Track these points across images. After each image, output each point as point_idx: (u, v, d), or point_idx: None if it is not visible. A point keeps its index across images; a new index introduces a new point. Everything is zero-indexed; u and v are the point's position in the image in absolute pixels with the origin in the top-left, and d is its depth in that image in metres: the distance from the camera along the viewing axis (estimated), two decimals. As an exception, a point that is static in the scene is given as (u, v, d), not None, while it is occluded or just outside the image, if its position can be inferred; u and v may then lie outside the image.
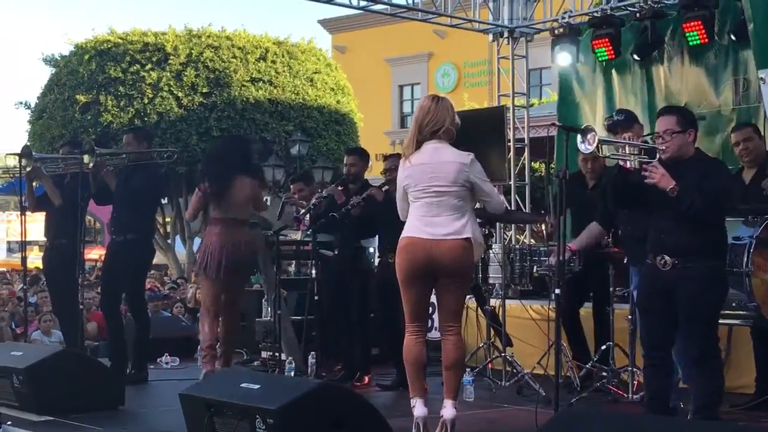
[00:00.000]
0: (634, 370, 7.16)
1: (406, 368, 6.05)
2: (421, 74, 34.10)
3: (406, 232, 5.93)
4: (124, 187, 8.37)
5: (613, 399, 7.23)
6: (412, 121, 6.11)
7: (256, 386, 5.33)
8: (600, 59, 10.40)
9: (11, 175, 9.21)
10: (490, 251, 8.11)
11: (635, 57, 10.19)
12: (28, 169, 8.43)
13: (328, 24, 35.25)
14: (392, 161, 8.17)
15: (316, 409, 5.12)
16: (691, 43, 9.47)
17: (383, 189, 7.93)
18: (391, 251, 7.84)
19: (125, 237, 8.36)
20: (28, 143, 19.56)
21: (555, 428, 4.47)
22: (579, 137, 5.64)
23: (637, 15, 9.96)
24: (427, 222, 5.87)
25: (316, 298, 8.27)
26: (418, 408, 5.86)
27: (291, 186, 8.92)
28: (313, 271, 8.31)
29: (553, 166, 10.96)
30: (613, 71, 10.72)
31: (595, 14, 10.50)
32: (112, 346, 8.73)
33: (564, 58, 10.61)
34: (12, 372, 6.73)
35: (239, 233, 7.83)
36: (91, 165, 8.17)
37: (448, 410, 5.83)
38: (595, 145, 5.57)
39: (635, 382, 7.17)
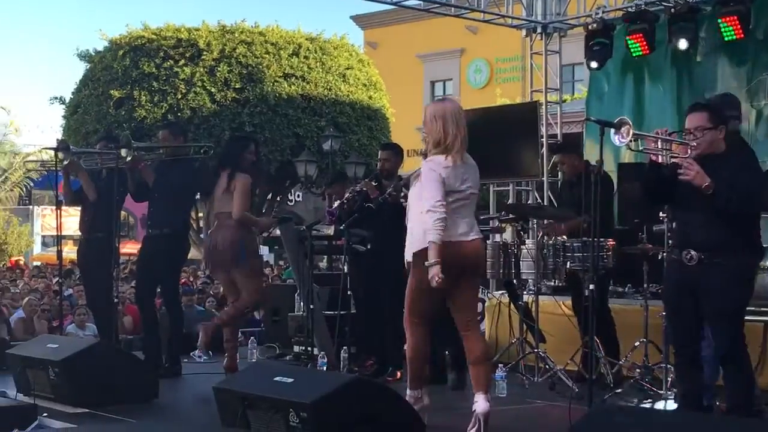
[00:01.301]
0: (668, 366, 7.12)
1: (417, 362, 6.09)
2: (453, 70, 34.05)
3: (449, 236, 5.90)
4: (161, 182, 8.41)
5: (646, 395, 7.19)
6: (449, 121, 6.01)
7: (290, 380, 5.35)
8: (634, 55, 10.34)
9: (47, 169, 9.28)
10: (523, 247, 8.09)
11: (671, 52, 10.12)
12: (66, 162, 8.49)
13: (360, 20, 35.26)
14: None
15: (349, 404, 5.14)
16: (726, 39, 9.41)
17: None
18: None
19: (161, 231, 8.41)
20: (63, 138, 19.73)
21: (589, 424, 4.45)
22: (613, 131, 5.61)
23: (672, 10, 9.90)
24: (453, 223, 5.89)
25: (348, 293, 8.28)
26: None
27: (327, 192, 8.94)
28: (346, 266, 8.32)
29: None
30: (645, 67, 10.67)
31: (630, 9, 10.43)
32: (146, 340, 8.78)
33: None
34: (48, 364, 6.79)
35: (223, 229, 7.93)
36: (128, 159, 8.22)
37: (481, 404, 5.83)
38: (629, 138, 5.54)
39: (669, 379, 7.13)
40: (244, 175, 7.84)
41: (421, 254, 5.86)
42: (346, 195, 8.39)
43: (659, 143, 5.70)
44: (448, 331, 6.48)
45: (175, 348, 8.61)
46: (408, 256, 6.05)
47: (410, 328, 6.09)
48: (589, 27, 10.71)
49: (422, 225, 5.88)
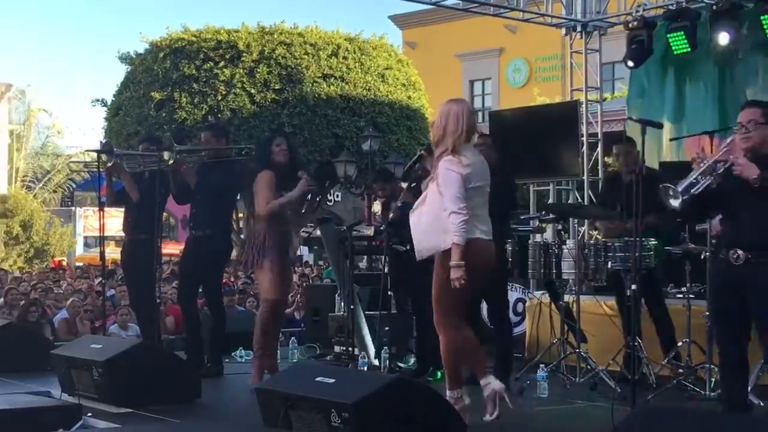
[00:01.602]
0: (711, 367, 7.07)
1: (455, 362, 6.14)
2: (492, 69, 33.97)
3: (473, 233, 5.96)
4: (203, 184, 8.45)
5: (689, 396, 7.14)
6: (459, 118, 6.02)
7: (332, 380, 5.36)
8: (675, 53, 10.26)
9: (89, 171, 9.36)
10: (564, 247, 8.05)
11: (713, 50, 10.03)
12: (109, 164, 8.57)
13: (399, 20, 35.27)
14: (486, 139, 8.14)
15: (390, 404, 5.15)
16: (769, 35, 9.31)
17: None
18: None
19: (203, 232, 8.45)
20: (107, 140, 19.90)
21: (632, 425, 4.43)
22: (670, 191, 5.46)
23: (714, 7, 9.81)
24: (478, 220, 6.02)
25: (389, 293, 8.28)
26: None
27: (374, 186, 8.88)
28: (386, 266, 8.33)
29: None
30: (686, 64, 10.58)
31: (671, 7, 10.36)
32: (188, 340, 8.84)
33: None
34: (92, 365, 6.84)
35: (249, 228, 7.96)
36: (171, 162, 8.27)
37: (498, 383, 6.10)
38: (680, 201, 5.42)
39: (712, 380, 7.07)
40: (264, 171, 7.79)
41: (449, 254, 5.89)
42: (392, 210, 8.28)
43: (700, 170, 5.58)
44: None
45: (217, 348, 8.66)
46: (423, 253, 6.06)
47: (443, 329, 6.11)
48: (630, 25, 10.64)
49: (440, 224, 5.91)
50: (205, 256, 8.43)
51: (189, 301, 8.78)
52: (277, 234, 7.75)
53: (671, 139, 10.20)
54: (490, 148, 8.03)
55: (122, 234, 9.32)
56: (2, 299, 13.16)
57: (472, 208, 5.96)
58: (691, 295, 7.64)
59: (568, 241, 8.26)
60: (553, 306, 8.66)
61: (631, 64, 10.54)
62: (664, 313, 7.97)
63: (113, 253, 21.26)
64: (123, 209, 9.28)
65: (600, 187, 8.97)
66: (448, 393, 6.06)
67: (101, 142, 9.08)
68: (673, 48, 10.18)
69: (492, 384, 6.09)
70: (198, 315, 8.85)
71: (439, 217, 5.99)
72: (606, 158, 13.06)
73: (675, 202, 5.40)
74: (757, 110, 5.57)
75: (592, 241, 8.02)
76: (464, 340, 6.14)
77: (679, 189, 5.35)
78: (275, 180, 7.68)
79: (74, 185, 38.22)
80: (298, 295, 13.65)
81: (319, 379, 5.43)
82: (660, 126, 7.59)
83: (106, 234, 8.81)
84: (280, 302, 7.92)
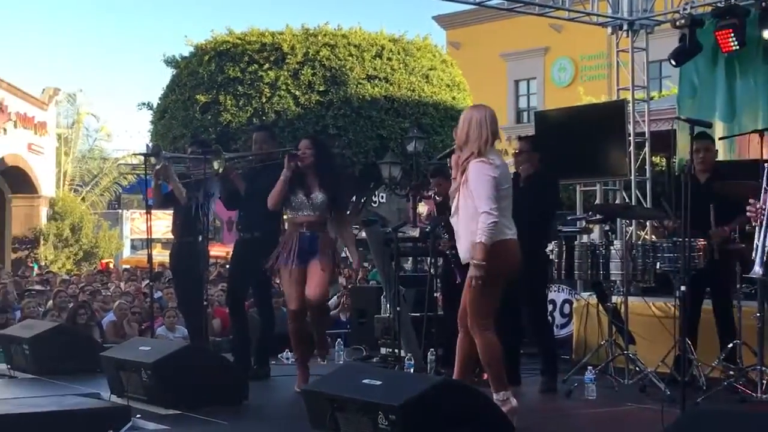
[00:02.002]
0: (763, 369, 6.97)
1: (498, 363, 6.13)
2: (537, 69, 33.84)
3: (504, 234, 6.04)
4: (252, 187, 8.43)
5: (740, 398, 7.04)
6: (482, 124, 6.09)
7: (378, 382, 5.35)
8: (724, 51, 10.14)
9: (135, 174, 9.45)
10: (611, 248, 7.98)
11: (763, 47, 9.91)
12: (157, 167, 8.62)
13: (442, 20, 35.23)
14: (524, 144, 8.12)
15: (437, 406, 5.13)
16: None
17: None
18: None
19: (253, 235, 8.46)
20: (152, 143, 20.06)
21: (682, 427, 4.38)
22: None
23: (763, 4, 9.69)
24: (510, 223, 6.17)
25: (435, 294, 8.26)
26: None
27: (431, 181, 8.82)
28: (431, 268, 8.30)
29: (674, 160, 10.77)
30: (736, 63, 10.45)
31: (719, 4, 10.24)
32: (235, 342, 8.86)
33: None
34: (141, 367, 6.89)
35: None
36: (220, 171, 8.27)
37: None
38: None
39: (764, 381, 6.98)
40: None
41: (490, 263, 5.92)
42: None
43: None
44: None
45: (264, 350, 8.67)
46: (466, 259, 6.09)
47: (480, 331, 6.10)
48: (677, 23, 10.53)
49: (472, 228, 5.97)
50: (253, 258, 8.44)
51: (237, 303, 8.80)
52: (292, 236, 7.64)
53: (720, 138, 10.09)
54: (530, 153, 8.02)
55: (168, 236, 9.39)
56: (51, 302, 13.32)
57: (501, 210, 6.02)
58: (741, 296, 7.55)
59: (615, 242, 8.19)
60: (600, 307, 8.59)
61: (674, 63, 10.43)
62: (726, 314, 7.85)
63: (160, 255, 21.43)
64: (169, 212, 9.35)
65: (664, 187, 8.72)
66: (494, 397, 6.04)
67: (148, 145, 9.15)
68: (722, 45, 10.07)
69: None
70: (246, 317, 8.87)
71: (470, 222, 6.03)
72: (653, 157, 12.95)
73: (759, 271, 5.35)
74: None
75: (639, 242, 7.93)
76: (491, 345, 6.13)
77: (759, 269, 5.28)
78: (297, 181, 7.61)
79: (121, 188, 38.60)
80: (344, 297, 13.68)
81: (365, 380, 5.42)
82: (709, 125, 7.49)
83: (152, 236, 8.86)
84: (297, 312, 7.62)
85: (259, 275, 8.54)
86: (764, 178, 5.31)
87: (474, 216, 5.98)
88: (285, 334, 9.10)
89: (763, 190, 5.26)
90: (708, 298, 7.97)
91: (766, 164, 5.28)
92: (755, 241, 5.29)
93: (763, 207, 5.24)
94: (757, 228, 5.27)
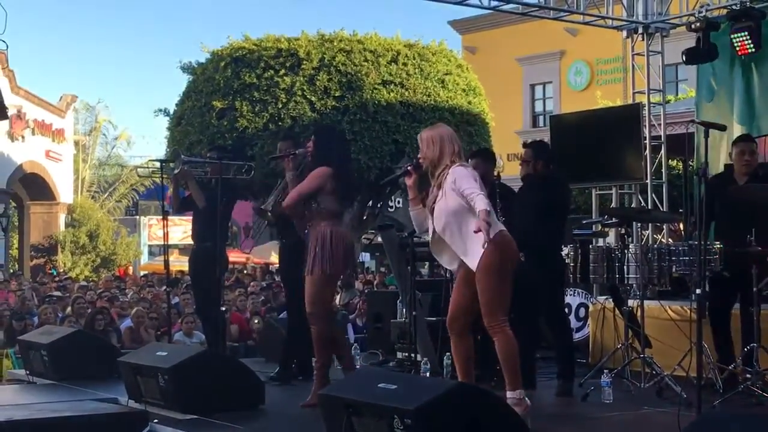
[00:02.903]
0: (780, 372, 6.95)
1: (515, 360, 6.17)
2: (553, 73, 33.75)
3: (499, 226, 6.17)
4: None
5: (757, 402, 7.02)
6: (451, 139, 6.39)
7: (394, 386, 5.36)
8: (740, 53, 10.12)
9: (152, 181, 9.50)
10: (627, 251, 7.97)
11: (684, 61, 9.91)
12: (176, 171, 8.66)
13: (458, 25, 35.21)
14: (527, 153, 8.12)
15: (453, 410, 5.13)
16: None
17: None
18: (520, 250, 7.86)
19: (293, 240, 8.45)
20: (169, 149, 20.09)
21: (698, 431, 4.38)
22: None
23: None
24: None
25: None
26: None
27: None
28: (447, 272, 8.30)
29: (691, 164, 10.73)
30: (753, 65, 10.43)
31: (734, 6, 10.23)
32: (289, 345, 8.80)
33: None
34: (158, 371, 6.92)
35: None
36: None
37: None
38: None
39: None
40: None
41: (489, 254, 5.95)
42: None
43: None
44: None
45: (289, 356, 8.65)
46: (472, 265, 6.10)
47: (500, 328, 6.14)
48: (692, 26, 10.52)
49: (467, 231, 6.02)
50: (296, 262, 8.42)
51: (294, 308, 8.80)
52: (309, 238, 7.51)
53: (754, 139, 10.06)
54: (535, 160, 8.04)
55: (186, 242, 9.44)
56: (69, 308, 13.38)
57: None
58: (759, 299, 7.51)
59: (631, 246, 8.18)
60: (616, 311, 8.58)
61: (684, 59, 10.39)
62: (750, 317, 7.80)
63: (177, 261, 21.50)
64: (187, 218, 9.40)
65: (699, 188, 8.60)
66: (509, 394, 6.06)
67: (173, 149, 9.21)
68: (737, 48, 10.05)
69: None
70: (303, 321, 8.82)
71: (462, 221, 6.11)
72: (670, 161, 12.93)
73: None
74: None
75: (655, 245, 7.91)
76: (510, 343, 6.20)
77: None
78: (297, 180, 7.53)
79: (138, 195, 38.75)
80: (360, 302, 13.70)
81: (381, 385, 5.43)
82: (723, 128, 7.47)
83: (170, 242, 8.90)
84: (310, 315, 7.44)
85: (299, 281, 8.48)
86: None
87: (465, 213, 6.06)
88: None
89: None
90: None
91: None
92: None
93: None
94: None
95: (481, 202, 5.90)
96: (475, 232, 5.86)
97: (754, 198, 7.30)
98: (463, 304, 6.27)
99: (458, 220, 6.13)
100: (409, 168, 6.44)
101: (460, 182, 6.10)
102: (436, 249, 6.36)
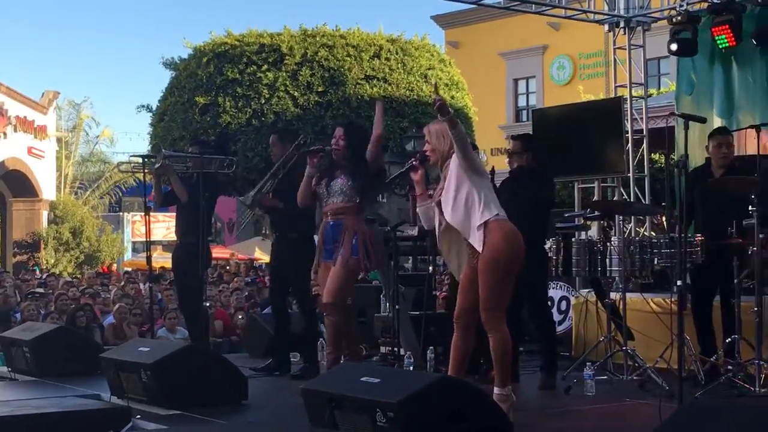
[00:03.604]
0: (761, 363, 6.99)
1: (510, 357, 6.23)
2: (536, 67, 33.84)
3: (494, 212, 6.06)
4: (283, 189, 8.38)
5: (739, 393, 7.06)
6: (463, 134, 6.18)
7: (377, 380, 5.37)
8: (720, 47, 10.17)
9: (135, 177, 9.47)
10: (609, 244, 8.00)
11: (756, 43, 9.94)
12: (157, 165, 8.64)
13: (441, 20, 35.22)
14: (516, 145, 8.11)
15: (435, 403, 5.14)
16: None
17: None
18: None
19: (287, 236, 8.46)
20: (150, 144, 20.06)
21: (679, 422, 4.39)
22: None
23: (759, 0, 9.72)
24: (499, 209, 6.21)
25: (434, 293, 8.26)
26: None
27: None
28: (430, 267, 8.31)
29: (673, 157, 10.78)
30: (733, 59, 10.48)
31: (715, 0, 10.26)
32: (277, 342, 8.82)
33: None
34: (140, 367, 6.91)
35: None
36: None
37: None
38: None
39: (762, 376, 6.99)
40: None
41: (491, 247, 5.93)
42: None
43: None
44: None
45: (312, 348, 8.67)
46: (478, 247, 6.03)
47: (497, 324, 6.11)
48: (674, 20, 10.56)
49: (470, 217, 5.97)
50: (290, 259, 8.43)
51: (280, 304, 8.83)
52: (320, 229, 7.60)
53: (730, 132, 10.11)
54: (522, 152, 8.04)
55: (169, 239, 9.44)
56: (53, 305, 13.33)
57: (489, 192, 6.11)
58: (740, 291, 7.56)
59: (613, 238, 8.21)
60: (599, 304, 8.61)
61: (674, 47, 10.38)
62: (731, 309, 7.85)
63: (161, 257, 21.44)
64: (171, 215, 9.39)
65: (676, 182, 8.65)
66: (497, 390, 6.06)
67: (154, 144, 9.21)
68: (718, 42, 10.10)
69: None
70: (288, 317, 8.84)
71: (468, 202, 6.04)
72: (652, 154, 12.97)
73: None
74: None
75: (637, 238, 7.94)
76: (506, 338, 6.18)
77: None
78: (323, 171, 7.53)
79: (121, 191, 38.62)
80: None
81: (364, 378, 5.44)
82: (703, 120, 7.52)
83: (154, 239, 8.89)
84: (329, 306, 7.53)
85: (298, 275, 8.48)
86: None
87: (465, 185, 6.02)
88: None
89: None
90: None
91: None
92: None
93: None
94: None
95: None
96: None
97: (730, 190, 7.34)
98: (473, 301, 6.20)
99: (461, 198, 6.03)
100: (415, 163, 6.33)
101: (467, 154, 6.04)
102: (444, 245, 6.27)
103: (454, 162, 6.09)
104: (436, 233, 6.30)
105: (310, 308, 8.72)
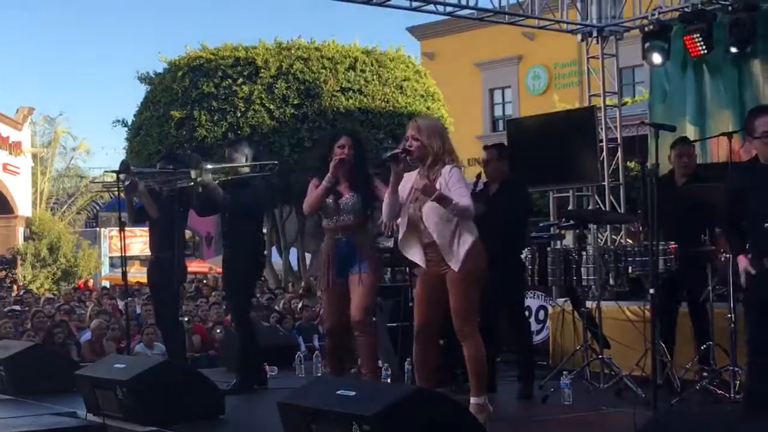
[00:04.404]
0: (736, 369, 7.02)
1: (485, 365, 6.28)
2: (512, 77, 33.94)
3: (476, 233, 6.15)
4: (231, 201, 8.42)
5: (714, 400, 7.09)
6: (442, 137, 6.31)
7: (352, 393, 5.36)
8: (692, 55, 10.24)
9: (109, 192, 9.41)
10: (584, 253, 8.02)
11: (731, 51, 10.01)
12: (127, 182, 8.62)
13: (416, 31, 35.30)
14: (491, 153, 8.09)
15: (411, 415, 5.14)
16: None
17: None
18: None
19: (233, 249, 8.47)
20: (125, 159, 19.96)
21: (655, 430, 4.41)
22: None
23: (730, 8, 9.79)
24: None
25: (410, 304, 8.26)
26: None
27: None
28: (408, 278, 8.30)
29: (648, 165, 10.82)
30: (705, 67, 10.56)
31: (686, 9, 10.34)
32: (242, 356, 8.75)
33: (656, 57, 10.40)
34: (116, 384, 6.87)
35: None
36: (198, 180, 8.25)
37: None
38: None
39: (737, 382, 7.03)
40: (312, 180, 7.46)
41: (469, 259, 6.00)
42: None
43: None
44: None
45: (247, 364, 8.62)
46: (455, 267, 6.07)
47: (471, 334, 6.17)
48: (646, 29, 10.63)
49: (448, 228, 6.03)
50: (236, 273, 8.45)
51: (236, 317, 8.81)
52: (328, 246, 7.25)
53: (690, 142, 10.16)
54: (499, 161, 8.06)
55: (146, 254, 9.39)
56: (30, 322, 13.25)
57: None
58: (713, 298, 7.60)
59: (588, 247, 8.23)
60: (575, 312, 8.63)
61: (657, 59, 10.43)
62: (702, 315, 7.89)
63: (138, 273, 21.35)
64: (148, 229, 9.35)
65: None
66: (474, 399, 6.07)
67: (122, 161, 9.14)
68: (690, 50, 10.17)
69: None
70: (250, 329, 8.79)
71: (456, 229, 6.08)
72: (628, 163, 13.03)
73: None
74: None
75: (612, 246, 7.97)
76: (481, 348, 6.22)
77: None
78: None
79: (98, 206, 38.48)
80: (321, 309, 13.68)
81: (340, 392, 5.43)
82: (673, 129, 7.55)
83: (131, 254, 8.88)
84: (331, 330, 7.34)
85: (240, 289, 8.52)
86: None
87: (447, 218, 6.03)
88: (263, 347, 9.12)
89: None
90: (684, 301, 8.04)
91: None
92: None
93: None
94: None
95: (466, 201, 5.98)
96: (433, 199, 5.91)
97: (691, 199, 7.39)
98: (437, 310, 6.23)
99: (449, 221, 6.07)
100: (398, 152, 6.20)
101: (455, 183, 6.04)
102: (407, 244, 6.26)
103: (447, 178, 6.08)
104: (401, 232, 6.30)
105: (245, 324, 8.70)
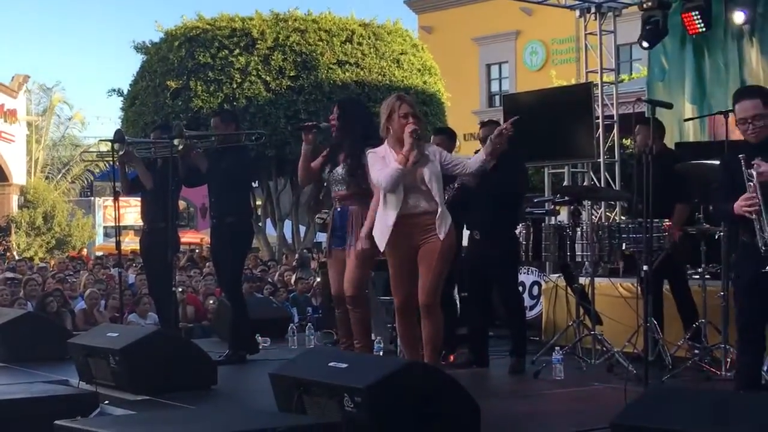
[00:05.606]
0: (727, 347, 7.05)
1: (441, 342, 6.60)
2: (509, 53, 33.85)
3: None
4: (217, 170, 8.41)
5: (705, 377, 7.12)
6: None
7: (344, 365, 5.38)
8: (690, 32, 10.21)
9: (105, 161, 9.38)
10: (578, 229, 8.02)
11: (730, 28, 9.97)
12: (121, 152, 8.59)
13: (414, 4, 35.18)
14: (489, 129, 8.04)
15: (403, 388, 5.16)
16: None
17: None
18: (475, 229, 7.91)
19: (224, 220, 8.46)
20: (119, 129, 19.90)
21: (645, 405, 4.44)
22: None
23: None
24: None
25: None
26: None
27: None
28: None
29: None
30: (704, 44, 10.52)
31: (685, -14, 10.29)
32: (234, 326, 8.72)
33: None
34: (108, 353, 6.88)
35: None
36: (180, 148, 8.25)
37: None
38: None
39: (728, 360, 7.05)
40: None
41: (452, 238, 6.37)
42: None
43: None
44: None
45: (239, 335, 8.62)
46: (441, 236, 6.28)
47: (436, 309, 6.41)
48: (644, 5, 10.58)
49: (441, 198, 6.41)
50: (226, 244, 8.45)
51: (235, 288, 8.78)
52: (332, 216, 7.33)
53: (685, 120, 10.18)
54: None
55: (141, 223, 9.37)
56: (22, 290, 13.23)
57: None
58: (707, 276, 7.62)
59: (582, 224, 8.24)
60: (568, 289, 8.65)
61: (645, 45, 10.48)
62: (687, 293, 7.94)
63: (133, 242, 21.34)
64: (140, 199, 9.34)
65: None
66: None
67: (116, 131, 9.12)
68: (688, 27, 10.13)
69: None
70: (242, 301, 8.79)
71: (440, 203, 6.40)
72: (624, 140, 13.02)
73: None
74: (758, 101, 5.37)
75: (606, 223, 7.96)
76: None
77: None
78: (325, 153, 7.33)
79: (93, 176, 38.38)
80: (315, 281, 13.71)
81: (332, 364, 5.44)
82: (669, 106, 7.54)
83: (125, 224, 8.88)
84: (336, 297, 7.35)
85: (231, 259, 8.50)
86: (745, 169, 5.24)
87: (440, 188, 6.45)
88: (255, 319, 9.14)
89: (747, 181, 5.21)
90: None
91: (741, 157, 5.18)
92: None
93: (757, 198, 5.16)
94: (756, 218, 5.18)
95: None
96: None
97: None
98: (415, 282, 6.35)
99: (439, 188, 6.43)
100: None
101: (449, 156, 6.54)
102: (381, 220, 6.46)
103: (436, 155, 6.44)
104: (382, 202, 6.46)
105: (238, 296, 8.69)
